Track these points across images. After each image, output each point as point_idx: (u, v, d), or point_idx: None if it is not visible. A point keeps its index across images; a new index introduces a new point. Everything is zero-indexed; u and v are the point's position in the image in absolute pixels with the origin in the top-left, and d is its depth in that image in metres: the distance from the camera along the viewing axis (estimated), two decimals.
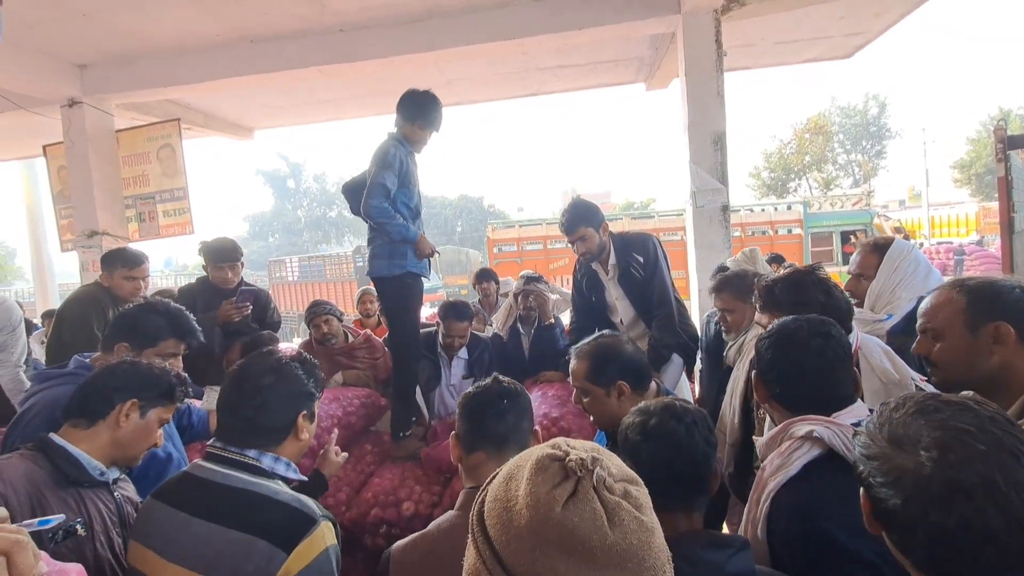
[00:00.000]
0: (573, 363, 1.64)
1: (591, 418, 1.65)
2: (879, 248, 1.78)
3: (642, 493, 0.60)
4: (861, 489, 0.73)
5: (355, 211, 2.60)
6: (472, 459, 1.13)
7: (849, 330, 1.49)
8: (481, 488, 0.66)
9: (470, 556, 0.61)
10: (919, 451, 0.65)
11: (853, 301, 1.87)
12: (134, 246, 4.38)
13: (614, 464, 0.61)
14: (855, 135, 33.10)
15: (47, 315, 4.85)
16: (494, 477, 0.66)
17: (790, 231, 10.28)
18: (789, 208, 10.85)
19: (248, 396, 1.13)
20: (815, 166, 32.32)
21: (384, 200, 2.39)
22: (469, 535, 0.62)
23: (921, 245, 21.86)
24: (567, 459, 0.59)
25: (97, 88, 5.01)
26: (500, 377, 1.24)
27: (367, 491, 2.21)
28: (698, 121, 4.24)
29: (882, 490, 0.67)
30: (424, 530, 1.09)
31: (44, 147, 5.89)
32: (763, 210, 10.98)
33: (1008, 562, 0.61)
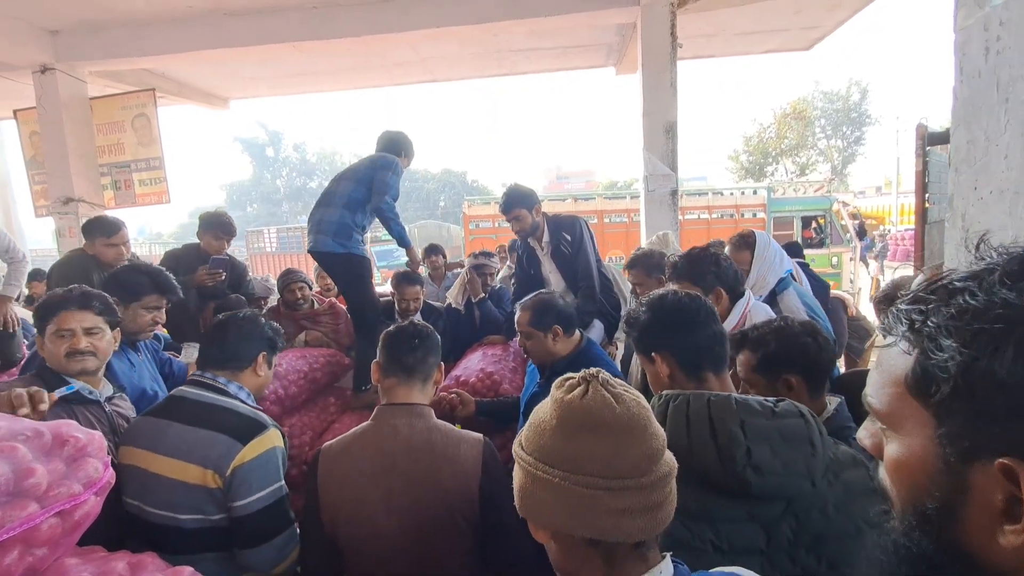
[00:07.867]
0: (518, 314, 1.98)
1: (530, 358, 2.00)
2: (749, 244, 2.14)
3: (639, 394, 0.77)
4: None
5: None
6: (387, 383, 1.44)
7: (741, 294, 1.83)
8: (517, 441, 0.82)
9: (519, 478, 0.76)
10: None
11: None
12: (110, 213, 4.56)
13: (611, 377, 0.79)
14: (836, 120, 33.52)
15: (29, 276, 4.99)
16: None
17: (755, 215, 10.59)
18: (755, 193, 11.19)
19: (226, 328, 1.52)
20: (792, 151, 32.77)
21: (394, 200, 2.82)
22: (515, 464, 0.78)
23: (889, 231, 22.71)
24: (576, 376, 0.78)
25: (69, 55, 5.04)
26: (415, 321, 1.57)
27: (328, 435, 2.53)
28: (652, 110, 4.51)
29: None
30: (345, 434, 1.41)
31: (15, 111, 5.90)
32: (731, 194, 11.31)
33: None
